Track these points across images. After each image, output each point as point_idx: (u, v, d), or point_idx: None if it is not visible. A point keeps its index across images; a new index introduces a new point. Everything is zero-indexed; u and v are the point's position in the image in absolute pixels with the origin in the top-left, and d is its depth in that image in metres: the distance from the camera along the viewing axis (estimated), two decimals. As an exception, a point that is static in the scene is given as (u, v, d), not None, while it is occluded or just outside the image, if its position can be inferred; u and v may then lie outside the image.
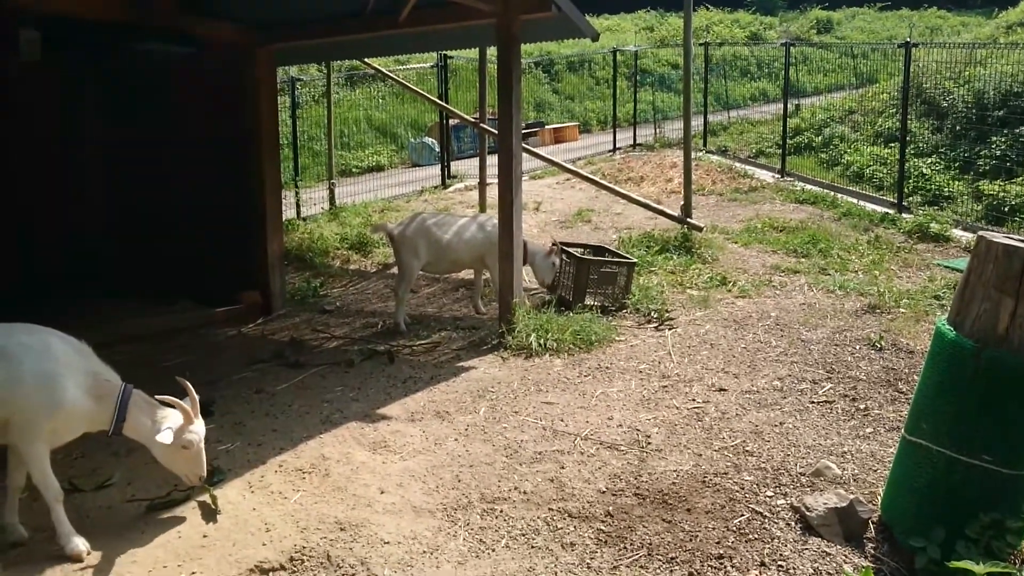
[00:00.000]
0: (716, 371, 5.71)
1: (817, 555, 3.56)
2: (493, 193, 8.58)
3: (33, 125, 8.29)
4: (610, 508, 3.96)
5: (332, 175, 13.04)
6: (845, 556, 3.56)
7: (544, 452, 4.56)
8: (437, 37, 8.32)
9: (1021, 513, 3.36)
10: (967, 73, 13.10)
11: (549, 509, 3.97)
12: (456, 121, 14.73)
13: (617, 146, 17.53)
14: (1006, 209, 10.32)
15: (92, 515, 3.95)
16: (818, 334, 6.29)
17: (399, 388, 5.67)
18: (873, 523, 3.76)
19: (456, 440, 4.75)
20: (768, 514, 3.87)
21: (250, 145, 7.77)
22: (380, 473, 4.36)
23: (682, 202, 9.48)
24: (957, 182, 11.47)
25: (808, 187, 12.48)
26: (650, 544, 3.67)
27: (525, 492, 4.13)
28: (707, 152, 15.81)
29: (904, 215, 10.58)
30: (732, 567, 3.50)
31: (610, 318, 6.95)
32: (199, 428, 3.77)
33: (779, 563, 3.51)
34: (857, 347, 5.99)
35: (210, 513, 3.94)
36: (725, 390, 5.36)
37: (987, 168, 11.36)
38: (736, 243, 9.49)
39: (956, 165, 11.86)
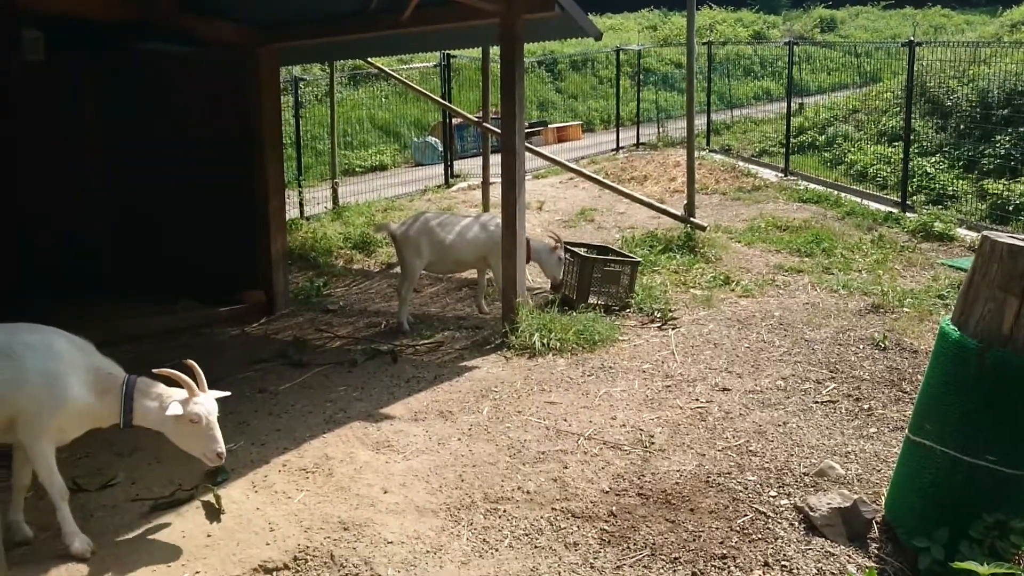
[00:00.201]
0: (719, 371, 5.70)
1: (821, 555, 3.56)
2: (496, 192, 8.60)
3: (34, 125, 8.32)
4: (613, 508, 3.96)
5: (335, 174, 13.06)
6: (849, 556, 3.56)
7: (547, 452, 4.56)
8: (440, 36, 8.32)
9: (1025, 513, 3.35)
10: (971, 72, 13.08)
11: (552, 509, 3.97)
12: (459, 120, 14.74)
13: (620, 145, 17.51)
14: (1010, 208, 10.29)
15: (96, 514, 3.96)
16: (822, 334, 6.28)
17: (402, 388, 5.67)
18: (877, 523, 3.75)
19: (459, 440, 4.75)
20: (771, 514, 3.87)
21: (253, 144, 7.78)
22: (383, 473, 4.37)
23: (685, 201, 9.47)
24: (961, 181, 11.44)
25: (812, 186, 12.46)
26: (653, 544, 3.67)
27: (528, 492, 4.13)
28: (710, 151, 15.78)
29: (908, 214, 10.56)
30: (736, 567, 3.50)
31: (613, 318, 6.94)
32: (206, 401, 3.67)
33: (783, 563, 3.51)
34: (861, 347, 5.98)
35: (214, 513, 3.95)
36: (728, 390, 5.36)
37: (991, 167, 11.34)
38: (739, 242, 9.48)
39: (960, 164, 11.83)
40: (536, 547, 3.68)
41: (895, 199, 11.28)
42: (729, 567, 3.50)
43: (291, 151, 12.62)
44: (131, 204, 8.53)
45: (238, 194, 7.88)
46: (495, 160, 9.04)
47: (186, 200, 8.12)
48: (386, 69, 12.57)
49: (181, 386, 3.67)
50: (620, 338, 6.46)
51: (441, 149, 15.59)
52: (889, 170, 12.53)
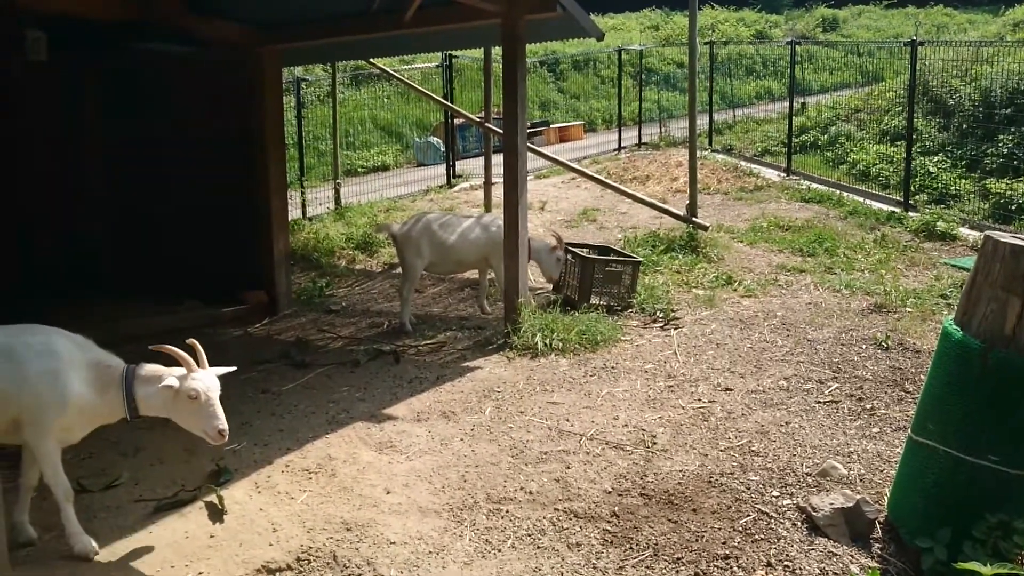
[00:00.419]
0: (722, 371, 5.70)
1: (823, 555, 3.56)
2: (498, 192, 8.59)
3: (34, 125, 8.33)
4: (616, 508, 3.96)
5: (337, 175, 13.07)
6: (851, 556, 3.56)
7: (550, 452, 4.56)
8: (442, 37, 8.33)
9: (1028, 514, 3.35)
10: (974, 71, 13.05)
11: (555, 509, 3.97)
12: (461, 121, 14.74)
13: (622, 145, 17.51)
14: (1013, 208, 10.28)
15: (100, 515, 3.97)
16: (824, 333, 6.28)
17: (405, 388, 5.68)
18: (880, 523, 3.75)
19: (462, 440, 4.76)
20: (774, 514, 3.87)
21: (255, 145, 7.79)
22: (386, 473, 4.37)
23: (687, 201, 9.47)
24: (964, 180, 11.43)
25: (814, 186, 12.45)
26: (656, 544, 3.67)
27: (531, 492, 4.13)
28: (712, 151, 15.79)
29: (911, 213, 10.55)
30: (738, 567, 3.50)
31: (616, 318, 6.94)
32: (204, 377, 3.60)
33: (785, 563, 3.51)
34: (863, 347, 5.97)
35: (217, 513, 3.95)
36: (731, 390, 5.36)
37: (994, 166, 11.32)
38: (742, 242, 9.47)
39: (963, 163, 11.82)
40: (539, 547, 3.69)
41: (897, 198, 11.27)
42: (732, 567, 3.50)
43: (293, 151, 12.64)
44: (132, 204, 8.53)
45: (240, 194, 7.89)
46: (497, 160, 9.06)
47: (187, 200, 8.13)
48: (388, 70, 12.59)
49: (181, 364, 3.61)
50: (622, 338, 6.46)
51: (443, 149, 15.60)
52: (891, 169, 12.51)
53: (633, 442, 4.65)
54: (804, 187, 12.37)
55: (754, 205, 11.52)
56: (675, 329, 6.62)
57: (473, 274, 7.98)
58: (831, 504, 3.77)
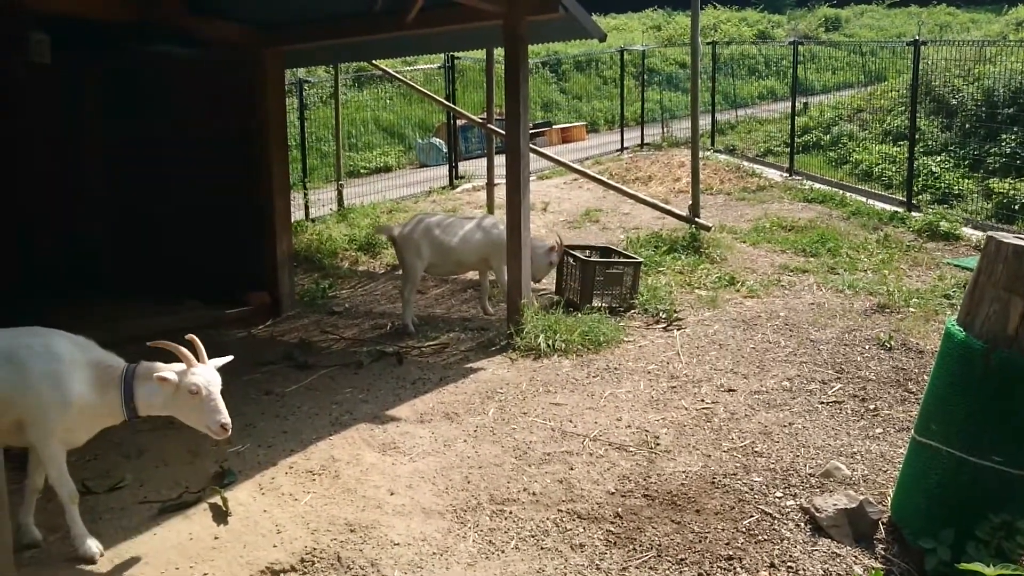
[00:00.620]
0: (725, 371, 5.70)
1: (827, 556, 3.56)
2: (501, 193, 8.60)
3: (35, 125, 8.36)
4: (619, 509, 3.96)
5: (340, 176, 13.08)
6: (855, 557, 3.56)
7: (553, 453, 4.57)
8: (444, 38, 8.34)
9: (1032, 514, 3.35)
10: (977, 71, 13.05)
11: (558, 510, 3.98)
12: (464, 122, 14.75)
13: (625, 146, 17.50)
14: (1016, 207, 10.27)
15: (105, 516, 3.98)
16: (827, 334, 6.28)
17: (408, 389, 5.69)
18: (883, 524, 3.75)
19: (465, 441, 4.77)
20: (777, 515, 3.87)
21: (258, 146, 7.81)
22: (390, 474, 4.38)
23: (690, 202, 9.47)
24: (967, 180, 11.42)
25: (817, 186, 12.45)
26: (659, 545, 3.67)
27: (534, 493, 4.14)
28: (715, 151, 15.78)
29: (914, 213, 10.54)
30: (742, 568, 3.50)
31: (618, 319, 6.95)
32: (204, 371, 3.56)
33: (789, 564, 3.51)
34: (866, 347, 5.97)
35: (221, 515, 3.96)
36: (734, 391, 5.36)
37: (997, 166, 11.31)
38: (744, 243, 9.47)
39: (966, 163, 11.80)
40: (542, 548, 3.69)
41: (900, 198, 11.26)
42: (735, 568, 3.50)
43: (296, 153, 12.66)
44: (133, 205, 8.55)
45: (243, 195, 7.91)
46: (500, 161, 9.06)
47: (190, 201, 8.16)
48: (390, 71, 12.61)
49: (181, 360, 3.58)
50: (625, 339, 6.46)
51: (445, 150, 15.62)
52: (894, 169, 12.50)
53: (636, 443, 4.66)
54: (807, 187, 12.36)
55: (757, 205, 11.52)
56: (678, 330, 6.62)
57: (476, 275, 7.99)
58: (834, 505, 3.76)
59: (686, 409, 5.12)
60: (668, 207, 9.86)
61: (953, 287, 7.36)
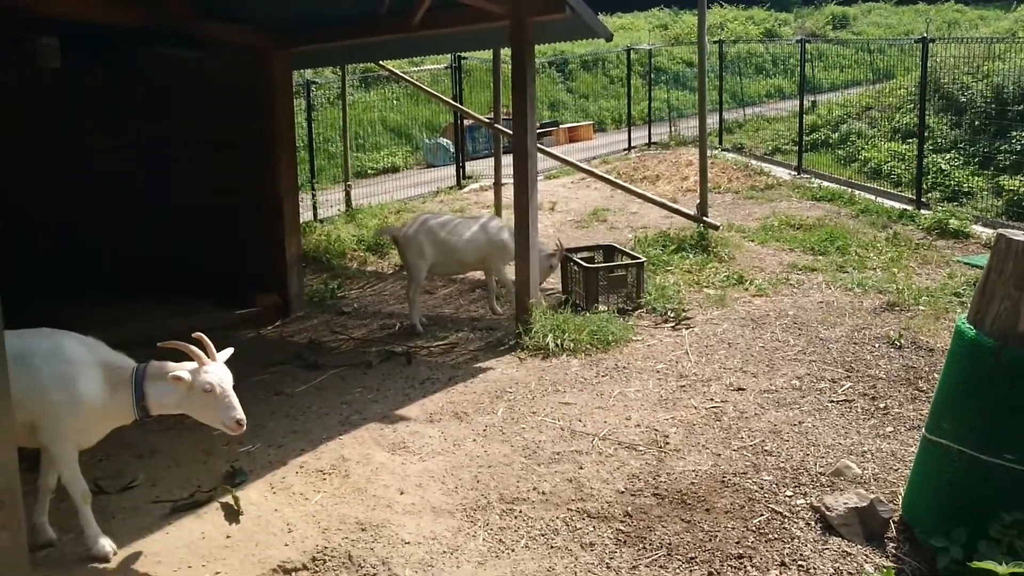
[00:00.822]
0: (734, 370, 5.70)
1: (837, 555, 3.56)
2: (508, 193, 8.61)
3: (48, 129, 8.39)
4: (629, 508, 3.97)
5: (348, 177, 13.11)
6: (866, 556, 3.55)
7: (562, 452, 4.57)
8: (450, 39, 8.35)
9: (1044, 512, 3.34)
10: (986, 68, 12.97)
11: (568, 509, 3.98)
12: (471, 122, 14.77)
13: (632, 145, 17.49)
14: (1026, 204, 10.23)
15: (117, 516, 4.01)
16: (836, 332, 6.26)
17: (417, 389, 5.70)
18: (894, 523, 3.74)
19: (474, 441, 4.78)
20: (788, 514, 3.87)
21: (267, 147, 7.83)
22: (399, 474, 4.39)
23: (698, 200, 9.46)
24: (976, 178, 11.36)
25: (825, 184, 12.41)
26: (669, 544, 3.67)
27: (544, 492, 4.14)
28: (723, 150, 15.75)
29: (923, 211, 10.50)
30: (752, 567, 3.50)
31: (626, 318, 6.94)
32: (216, 369, 3.58)
33: (799, 563, 3.51)
34: (876, 345, 5.96)
35: (233, 514, 3.99)
36: (743, 389, 5.35)
37: (1007, 163, 11.25)
38: (753, 241, 9.46)
39: (975, 161, 11.75)
40: (552, 547, 3.70)
41: (910, 196, 11.22)
42: (745, 567, 3.50)
43: (304, 154, 12.69)
44: (142, 207, 8.58)
45: (251, 197, 7.93)
46: (507, 161, 9.05)
47: (199, 202, 8.18)
48: (397, 72, 12.62)
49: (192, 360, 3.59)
50: (634, 338, 6.46)
51: (453, 150, 15.63)
52: (903, 167, 12.45)
53: (646, 442, 4.66)
54: (815, 185, 12.33)
55: (765, 204, 11.50)
56: (686, 329, 6.62)
57: (483, 275, 7.99)
58: (845, 503, 3.76)
59: (695, 408, 5.12)
60: (676, 206, 9.85)
61: (963, 285, 7.33)
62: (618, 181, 10.74)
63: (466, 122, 15.05)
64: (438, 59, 18.49)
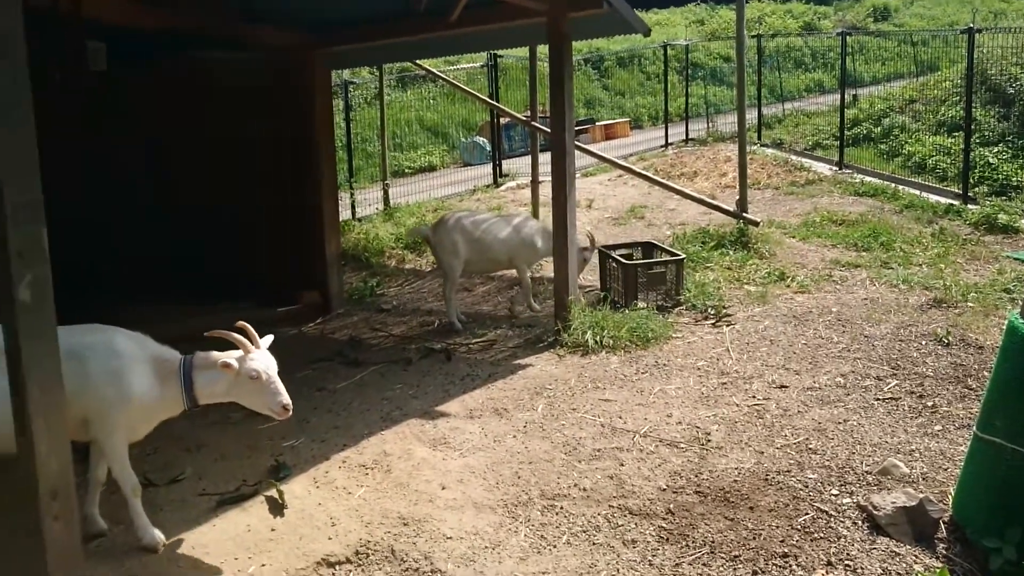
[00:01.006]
0: (776, 368, 5.62)
1: (886, 555, 3.49)
2: (545, 191, 8.60)
3: (92, 129, 8.55)
4: (671, 505, 3.94)
5: (386, 176, 13.21)
6: (915, 556, 3.48)
7: (603, 449, 4.56)
8: (487, 36, 8.35)
9: (1102, 513, 3.24)
10: (1035, 58, 12.65)
11: (609, 506, 3.97)
12: (507, 120, 14.78)
13: (669, 141, 17.37)
14: (1079, 198, 9.93)
15: (165, 509, 4.08)
16: (882, 329, 6.15)
17: (457, 385, 5.72)
18: (944, 523, 3.67)
19: (515, 437, 4.78)
20: (834, 513, 3.81)
21: (307, 147, 7.92)
22: (441, 469, 4.41)
23: (737, 197, 9.35)
24: (1026, 171, 11.08)
25: (867, 179, 12.18)
26: (712, 542, 3.64)
27: (585, 489, 4.13)
28: (761, 145, 15.55)
29: (970, 206, 10.26)
30: (798, 566, 3.45)
31: (666, 315, 6.89)
32: (261, 356, 3.68)
33: (846, 563, 3.45)
34: (923, 343, 5.83)
35: (277, 507, 4.04)
36: (786, 387, 5.28)
37: (1058, 156, 10.96)
38: (794, 237, 9.32)
39: (1024, 153, 11.46)
40: (594, 544, 3.69)
41: (956, 191, 10.97)
42: (791, 566, 3.46)
43: (342, 154, 12.82)
44: (185, 208, 8.69)
45: (293, 196, 8.04)
46: (544, 159, 9.04)
47: (245, 203, 8.29)
48: (434, 71, 12.68)
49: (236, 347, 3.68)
50: (673, 335, 6.42)
51: (489, 149, 15.66)
52: (949, 161, 12.18)
53: (687, 439, 4.62)
54: (857, 181, 12.11)
55: (806, 200, 11.32)
56: (727, 326, 6.55)
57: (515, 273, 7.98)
58: (893, 503, 3.69)
59: (737, 405, 5.06)
60: (715, 202, 9.74)
61: (1013, 281, 7.15)
62: (656, 177, 10.66)
63: (502, 120, 15.07)
64: (473, 58, 18.56)
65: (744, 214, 9.15)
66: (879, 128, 14.49)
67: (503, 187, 13.91)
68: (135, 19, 6.57)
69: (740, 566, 3.48)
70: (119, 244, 8.84)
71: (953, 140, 12.49)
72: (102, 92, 8.58)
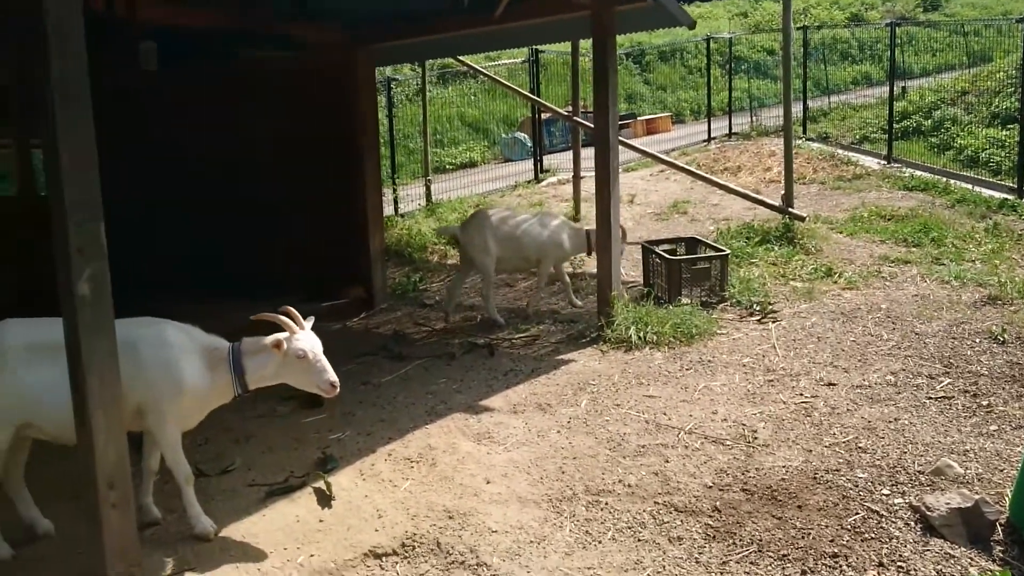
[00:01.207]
0: (824, 365, 5.53)
1: (940, 557, 3.42)
2: (587, 187, 8.57)
3: (147, 130, 8.75)
4: (717, 503, 3.91)
5: (428, 172, 13.28)
6: (970, 559, 3.41)
7: (647, 445, 4.53)
8: (531, 31, 8.34)
9: None
10: (1095, 47, 12.20)
11: (655, 503, 3.95)
12: (547, 115, 14.76)
13: (712, 136, 17.17)
14: None
15: (216, 498, 4.17)
16: (933, 327, 6.01)
17: (500, 380, 5.74)
18: (1000, 525, 3.58)
19: (559, 432, 4.78)
20: (885, 513, 3.74)
21: (352, 144, 8.00)
22: (485, 463, 4.43)
23: (782, 191, 9.21)
24: (1085, 164, 10.70)
25: (917, 173, 11.89)
26: (760, 540, 3.60)
27: (629, 485, 4.12)
28: (807, 139, 15.27)
29: (1026, 200, 9.97)
30: (848, 566, 3.40)
31: (710, 311, 6.82)
32: (306, 337, 3.79)
33: (899, 564, 3.39)
34: (977, 340, 5.69)
35: (325, 499, 4.10)
36: (834, 384, 5.20)
37: (1119, 148, 10.57)
38: (841, 233, 9.15)
39: (1083, 146, 11.06)
40: (639, 540, 3.68)
41: (1011, 185, 10.65)
42: (841, 566, 3.41)
43: (384, 150, 12.90)
44: (232, 204, 8.82)
45: (338, 193, 8.13)
46: (586, 154, 9.01)
47: (292, 199, 8.42)
48: (475, 67, 12.71)
49: (283, 329, 3.79)
50: (718, 331, 6.35)
51: (530, 145, 15.65)
52: (1003, 154, 11.84)
53: (733, 436, 4.57)
54: (907, 175, 11.83)
55: (853, 194, 11.10)
56: (773, 322, 6.46)
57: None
58: (947, 504, 3.61)
59: (784, 403, 4.99)
60: (759, 197, 9.61)
61: (1072, 278, 6.93)
62: (699, 172, 10.55)
63: (543, 116, 15.05)
64: (514, 54, 18.51)
65: (790, 209, 9.01)
66: (929, 121, 14.14)
67: (544, 183, 13.90)
68: (185, 19, 6.69)
69: (789, 565, 3.44)
70: (164, 243, 9.04)
71: (1008, 133, 12.12)
72: (152, 91, 8.78)
